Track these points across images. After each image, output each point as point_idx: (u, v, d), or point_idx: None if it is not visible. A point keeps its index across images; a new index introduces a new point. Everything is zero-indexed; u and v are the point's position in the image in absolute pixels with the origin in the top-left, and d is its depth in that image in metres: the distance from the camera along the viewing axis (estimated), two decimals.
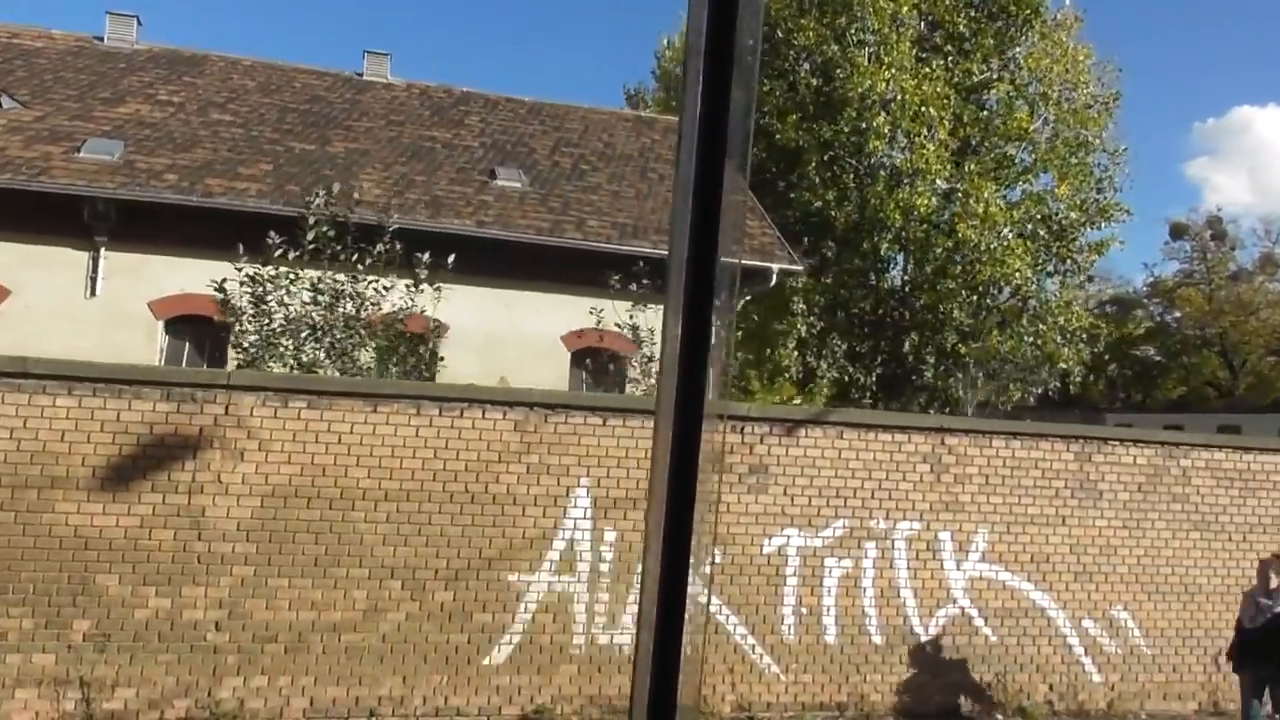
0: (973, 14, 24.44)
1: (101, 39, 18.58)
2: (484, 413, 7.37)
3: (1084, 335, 26.92)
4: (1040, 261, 24.36)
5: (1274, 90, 66.94)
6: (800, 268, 16.71)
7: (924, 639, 8.33)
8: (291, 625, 6.95)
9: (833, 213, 23.65)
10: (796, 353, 23.36)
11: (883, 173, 23.15)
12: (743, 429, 7.92)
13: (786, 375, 24.00)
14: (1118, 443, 8.90)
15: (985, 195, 22.26)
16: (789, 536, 7.97)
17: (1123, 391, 53.12)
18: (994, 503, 8.51)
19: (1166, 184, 68.56)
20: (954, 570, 8.41)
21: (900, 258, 24.16)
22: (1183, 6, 63.09)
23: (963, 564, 8.43)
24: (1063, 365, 24.83)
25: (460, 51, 70.34)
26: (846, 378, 24.20)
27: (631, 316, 10.11)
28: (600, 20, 66.34)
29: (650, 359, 10.29)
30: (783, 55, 24.96)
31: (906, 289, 24.02)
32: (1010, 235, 22.82)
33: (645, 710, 1.18)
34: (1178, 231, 53.11)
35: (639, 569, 7.42)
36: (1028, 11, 24.30)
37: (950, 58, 24.57)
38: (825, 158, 23.78)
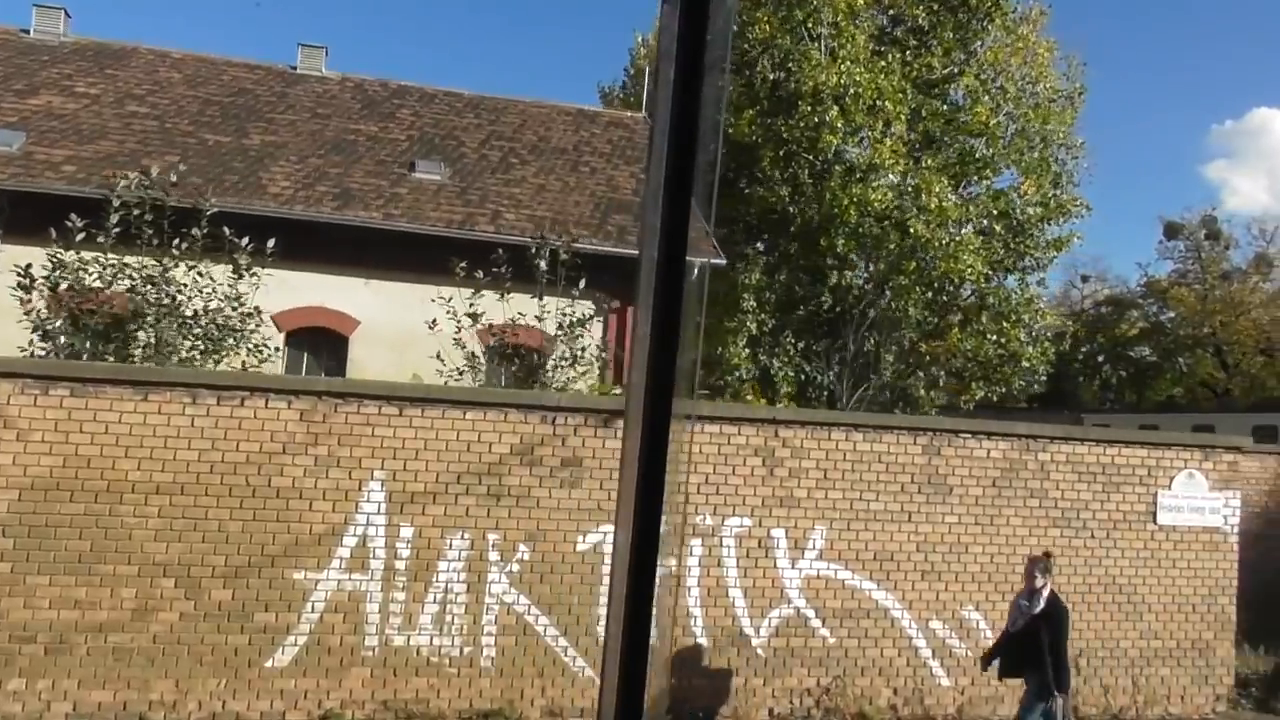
0: (934, 6, 23.93)
1: (28, 31, 18.36)
2: (266, 402, 7.02)
3: (1049, 334, 26.42)
4: (999, 258, 23.86)
5: None
6: (723, 261, 16.26)
7: (755, 641, 7.93)
8: (52, 625, 6.62)
9: (790, 209, 23.26)
10: (748, 351, 22.98)
11: (838, 168, 22.70)
12: (554, 420, 7.55)
13: (737, 374, 23.68)
14: (969, 435, 8.47)
15: (937, 190, 21.79)
16: (605, 533, 7.58)
17: (1113, 392, 52.45)
18: (833, 498, 8.10)
19: (1185, 186, 67.28)
20: (788, 569, 8.01)
21: (858, 255, 23.57)
22: (1199, 8, 61.80)
23: (798, 562, 8.02)
24: (1026, 363, 24.25)
25: (441, 51, 70.16)
26: (804, 377, 23.81)
27: (472, 305, 9.75)
28: (581, 20, 66.07)
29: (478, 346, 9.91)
30: (738, 49, 24.55)
31: (865, 286, 23.50)
32: (965, 231, 22.36)
33: (614, 705, 1.20)
34: (1172, 231, 52.48)
35: (440, 566, 7.07)
36: (989, 4, 23.79)
37: (909, 51, 24.11)
38: (781, 153, 23.36)
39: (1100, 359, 53.24)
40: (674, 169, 1.19)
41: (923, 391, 25.62)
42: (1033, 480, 8.57)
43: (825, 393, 24.52)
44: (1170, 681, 8.87)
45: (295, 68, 19.82)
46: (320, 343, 15.23)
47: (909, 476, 8.27)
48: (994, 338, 23.89)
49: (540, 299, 9.94)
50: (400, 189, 15.94)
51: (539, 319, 9.78)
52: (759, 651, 7.93)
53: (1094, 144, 60.60)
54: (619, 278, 15.26)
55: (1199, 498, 8.95)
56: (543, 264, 9.89)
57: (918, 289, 23.03)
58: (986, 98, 24.01)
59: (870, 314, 24.37)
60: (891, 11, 24.76)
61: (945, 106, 24.33)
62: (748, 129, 23.19)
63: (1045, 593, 6.42)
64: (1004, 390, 25.89)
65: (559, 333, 9.88)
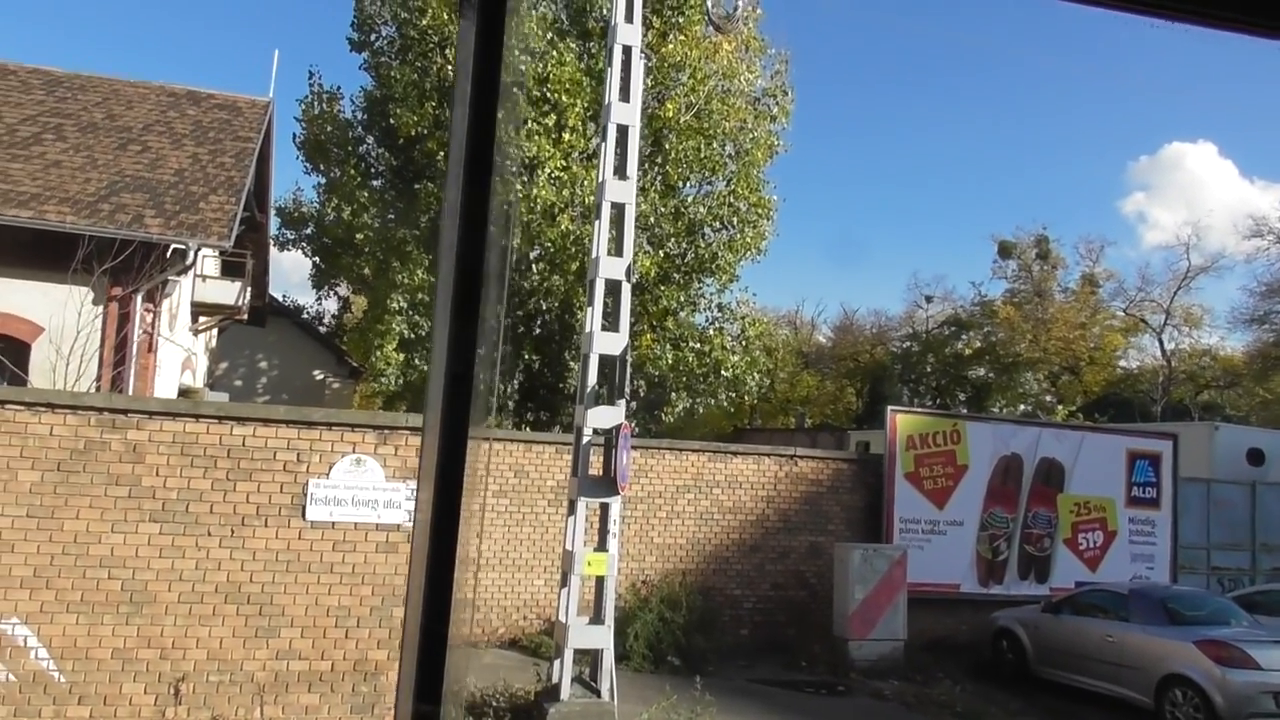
0: None
1: None
2: None
3: (760, 344, 25.15)
4: (675, 261, 22.53)
5: (1202, 126, 66.83)
6: (226, 245, 14.63)
7: None
8: None
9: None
10: (401, 356, 21.41)
11: (507, 163, 21.22)
12: None
13: (383, 381, 22.11)
14: (21, 407, 6.90)
15: (586, 182, 20.49)
16: None
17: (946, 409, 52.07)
18: None
19: (1103, 221, 67.27)
20: None
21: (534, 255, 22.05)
22: (1112, 46, 61.86)
23: None
24: (727, 372, 22.79)
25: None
26: (482, 385, 22.23)
27: None
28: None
29: None
30: (408, 36, 23.13)
31: (539, 285, 21.93)
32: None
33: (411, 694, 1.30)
34: (1005, 251, 52.41)
35: None
36: None
37: (596, 42, 22.83)
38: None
39: (943, 381, 52.92)
40: (469, 186, 1.22)
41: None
42: (119, 465, 7.01)
43: (511, 402, 23.05)
44: (318, 711, 7.32)
45: None
46: None
47: None
48: (695, 345, 22.52)
49: None
50: None
51: None
52: None
53: (1018, 183, 60.72)
54: (118, 262, 13.67)
55: (371, 488, 7.46)
56: None
57: (581, 289, 21.71)
58: (675, 93, 22.83)
59: (547, 317, 23.01)
60: None
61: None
62: (409, 119, 21.67)
63: None
64: (711, 402, 24.50)
65: None
